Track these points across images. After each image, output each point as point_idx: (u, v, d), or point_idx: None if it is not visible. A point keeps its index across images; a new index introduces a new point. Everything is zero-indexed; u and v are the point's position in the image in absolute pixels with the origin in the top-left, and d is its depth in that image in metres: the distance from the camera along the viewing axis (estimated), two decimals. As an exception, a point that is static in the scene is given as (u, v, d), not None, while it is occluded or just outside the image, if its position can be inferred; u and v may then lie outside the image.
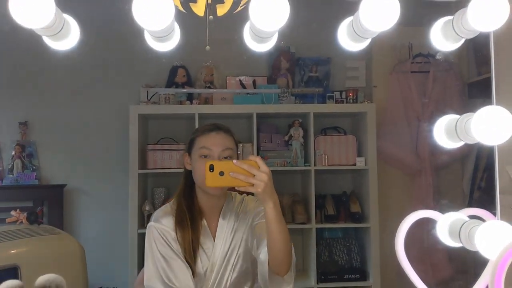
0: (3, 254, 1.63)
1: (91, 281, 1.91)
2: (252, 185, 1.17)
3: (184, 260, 1.42)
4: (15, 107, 3.01)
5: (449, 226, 0.73)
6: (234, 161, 1.18)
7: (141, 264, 1.81)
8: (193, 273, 1.43)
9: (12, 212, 1.85)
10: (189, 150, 1.49)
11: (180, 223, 1.44)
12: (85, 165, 3.07)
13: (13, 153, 3.00)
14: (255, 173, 1.17)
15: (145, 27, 0.62)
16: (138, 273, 2.01)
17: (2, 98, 2.97)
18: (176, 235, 1.43)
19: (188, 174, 1.49)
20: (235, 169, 1.17)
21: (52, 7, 0.58)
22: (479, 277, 0.82)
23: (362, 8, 0.63)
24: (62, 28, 0.63)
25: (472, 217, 0.77)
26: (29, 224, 1.84)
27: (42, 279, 0.64)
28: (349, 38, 0.71)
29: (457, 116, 0.74)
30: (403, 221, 0.77)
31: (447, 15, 0.82)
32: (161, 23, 0.59)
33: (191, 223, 1.44)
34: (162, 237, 1.43)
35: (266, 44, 0.73)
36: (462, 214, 0.75)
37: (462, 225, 0.71)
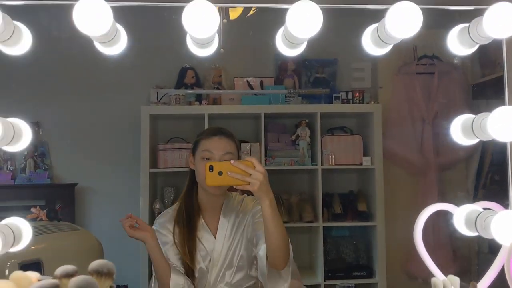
0: (26, 249, 1.66)
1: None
2: (249, 183, 1.23)
3: (171, 265, 1.50)
4: (27, 107, 3.06)
5: (465, 217, 0.79)
6: (232, 161, 1.25)
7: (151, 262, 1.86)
8: (193, 270, 1.50)
9: (32, 209, 1.90)
10: (193, 151, 1.56)
11: (178, 223, 1.53)
12: (96, 165, 3.11)
13: (26, 152, 3.04)
14: (251, 172, 1.23)
15: (194, 35, 0.67)
16: (149, 271, 2.06)
17: (15, 99, 3.01)
18: (174, 237, 1.52)
19: (193, 174, 1.56)
20: (232, 169, 1.23)
21: (110, 17, 0.64)
22: (483, 274, 0.87)
23: (388, 16, 0.69)
24: (115, 36, 0.69)
25: (484, 209, 0.83)
26: (49, 220, 1.89)
27: (95, 264, 0.70)
28: (373, 44, 0.77)
29: (473, 116, 0.80)
30: (421, 213, 0.83)
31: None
32: (208, 31, 0.65)
33: (188, 222, 1.52)
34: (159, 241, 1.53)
35: (297, 49, 0.78)
36: (477, 206, 0.81)
37: (478, 215, 0.77)
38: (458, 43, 0.79)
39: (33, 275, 0.70)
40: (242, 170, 1.23)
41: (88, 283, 0.62)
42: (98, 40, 0.69)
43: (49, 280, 0.65)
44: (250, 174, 1.23)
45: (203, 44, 0.74)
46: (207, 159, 1.48)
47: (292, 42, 0.73)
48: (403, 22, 0.68)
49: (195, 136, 1.60)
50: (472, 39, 0.76)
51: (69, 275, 0.67)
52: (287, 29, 0.70)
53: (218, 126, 1.60)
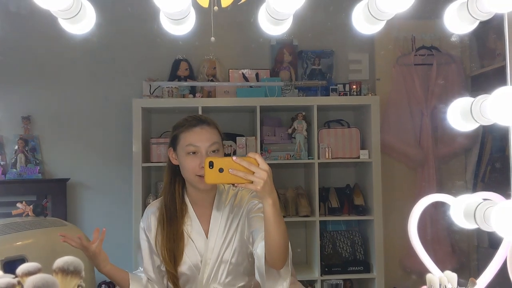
0: (10, 245, 1.63)
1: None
2: (252, 182, 1.15)
3: (154, 259, 1.50)
4: (18, 101, 3.01)
5: (464, 208, 0.73)
6: (234, 158, 1.16)
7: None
8: (174, 274, 1.46)
9: (18, 204, 1.85)
10: (173, 145, 1.48)
11: (160, 222, 1.48)
12: (88, 159, 3.07)
13: (16, 147, 3.00)
14: (255, 170, 1.15)
15: (163, 8, 0.61)
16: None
17: (5, 93, 2.97)
18: (155, 242, 1.48)
19: (173, 168, 1.49)
20: (234, 166, 1.15)
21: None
22: (482, 270, 0.83)
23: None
24: (79, 11, 0.62)
25: (484, 200, 0.77)
26: (35, 216, 1.84)
27: (60, 261, 0.64)
28: (364, 21, 0.71)
29: (472, 99, 0.74)
30: (416, 204, 0.78)
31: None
32: (179, 3, 0.59)
33: (171, 219, 1.46)
34: (146, 236, 1.53)
35: (282, 26, 0.72)
36: (476, 196, 0.76)
37: (477, 206, 0.71)
38: (457, 20, 0.73)
39: (-7, 273, 0.65)
40: (244, 167, 1.14)
41: (46, 283, 0.57)
42: (60, 15, 0.63)
43: (6, 279, 0.60)
44: (253, 172, 1.15)
45: (176, 20, 0.68)
46: (193, 153, 1.41)
47: (275, 18, 0.67)
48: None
49: (172, 129, 1.51)
50: (471, 15, 0.71)
51: (30, 274, 0.62)
52: (268, 4, 0.64)
53: (195, 115, 1.51)
